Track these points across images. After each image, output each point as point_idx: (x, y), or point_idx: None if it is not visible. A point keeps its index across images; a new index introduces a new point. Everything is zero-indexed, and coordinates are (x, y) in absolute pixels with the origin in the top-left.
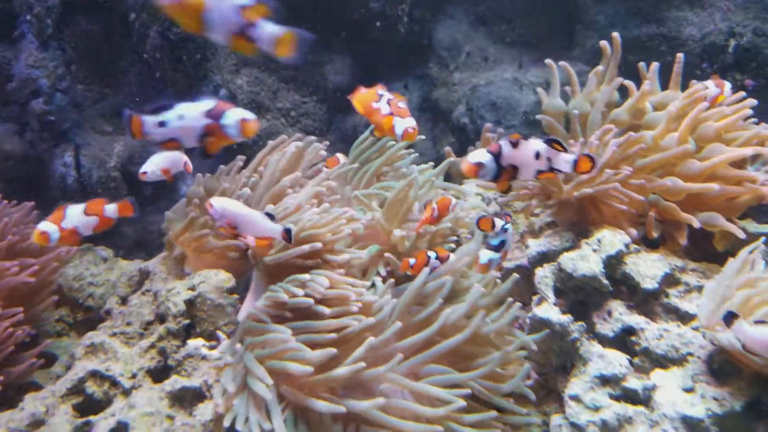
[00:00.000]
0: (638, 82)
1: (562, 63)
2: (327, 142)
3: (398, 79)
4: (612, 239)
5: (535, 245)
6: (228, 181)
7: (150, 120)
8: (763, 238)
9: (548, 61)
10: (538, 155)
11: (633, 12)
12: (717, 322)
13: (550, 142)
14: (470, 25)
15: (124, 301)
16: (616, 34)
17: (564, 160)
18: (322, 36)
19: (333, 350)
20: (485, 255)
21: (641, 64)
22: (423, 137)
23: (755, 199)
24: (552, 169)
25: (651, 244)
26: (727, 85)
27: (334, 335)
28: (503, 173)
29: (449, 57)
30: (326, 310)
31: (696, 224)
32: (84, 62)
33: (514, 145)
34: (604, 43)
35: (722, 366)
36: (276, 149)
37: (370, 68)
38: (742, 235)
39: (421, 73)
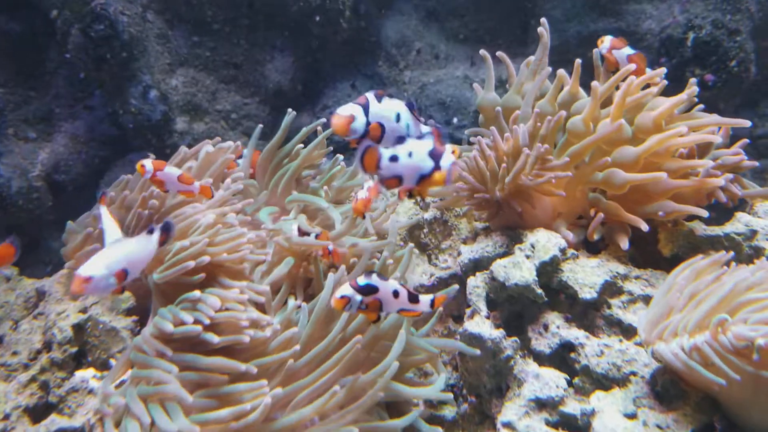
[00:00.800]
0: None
1: (499, 53)
2: None
3: (346, 78)
4: (546, 244)
5: (467, 251)
6: (136, 191)
7: (386, 154)
8: (733, 253)
9: (483, 52)
10: (399, 118)
11: (590, 5)
12: (658, 336)
13: (411, 108)
14: (420, 21)
15: (18, 325)
16: (544, 20)
17: (419, 129)
18: (261, 32)
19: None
20: (343, 290)
21: (596, 51)
22: None
23: (704, 195)
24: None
25: (593, 249)
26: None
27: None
28: (371, 130)
29: (399, 55)
30: (215, 339)
31: (644, 227)
32: (5, 64)
33: (380, 100)
34: (541, 30)
35: (666, 388)
36: (192, 156)
37: (315, 66)
38: (704, 214)
39: (370, 72)
